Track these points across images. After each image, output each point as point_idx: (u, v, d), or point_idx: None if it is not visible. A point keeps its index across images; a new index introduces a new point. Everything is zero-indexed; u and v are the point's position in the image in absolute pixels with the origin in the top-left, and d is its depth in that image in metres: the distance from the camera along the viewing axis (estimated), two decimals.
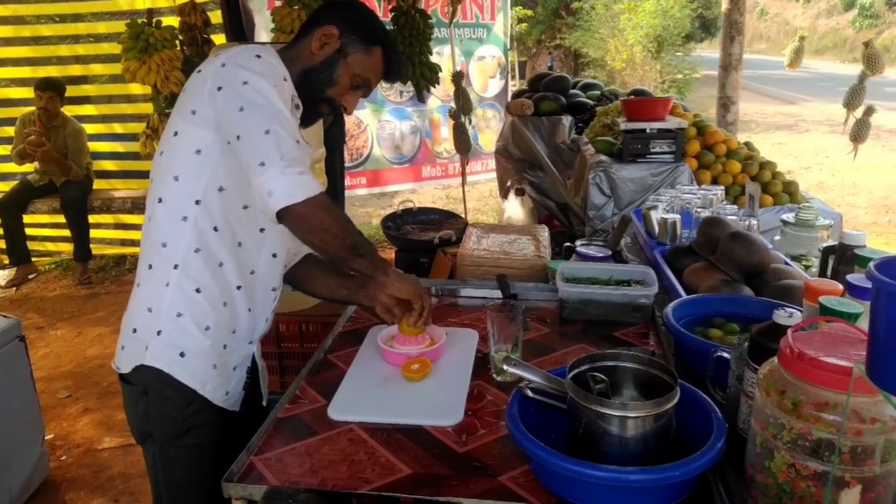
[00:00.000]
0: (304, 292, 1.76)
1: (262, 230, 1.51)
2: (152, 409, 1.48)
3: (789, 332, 1.00)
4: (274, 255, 1.56)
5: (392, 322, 1.62)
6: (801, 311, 1.28)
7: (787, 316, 1.16)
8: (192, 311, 1.45)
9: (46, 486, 2.88)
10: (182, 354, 1.44)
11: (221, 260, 1.46)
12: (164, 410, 1.46)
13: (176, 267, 1.43)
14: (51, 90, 5.07)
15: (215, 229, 1.44)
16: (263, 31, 5.76)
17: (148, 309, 1.46)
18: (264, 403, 1.63)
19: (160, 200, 1.45)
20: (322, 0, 3.40)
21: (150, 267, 1.47)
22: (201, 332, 1.45)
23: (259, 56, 1.41)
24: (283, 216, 1.34)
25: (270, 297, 1.60)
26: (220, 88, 1.37)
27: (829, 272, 1.74)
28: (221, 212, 1.44)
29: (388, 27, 4.07)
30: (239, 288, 1.50)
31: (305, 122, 1.58)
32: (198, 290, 1.44)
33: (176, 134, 1.43)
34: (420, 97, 4.45)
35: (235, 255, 1.48)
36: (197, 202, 1.42)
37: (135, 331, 1.48)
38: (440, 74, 4.34)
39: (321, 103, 1.56)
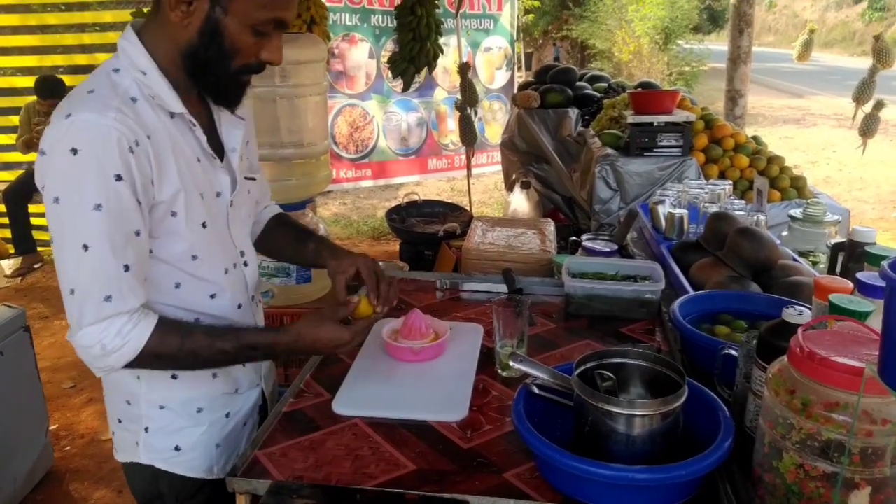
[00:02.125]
0: (270, 257, 1.62)
1: (212, 296, 1.30)
2: (163, 487, 1.34)
3: (799, 330, 0.98)
4: (239, 307, 1.36)
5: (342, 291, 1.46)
6: (810, 308, 1.26)
7: (797, 314, 1.15)
8: (174, 399, 1.28)
9: (50, 477, 2.90)
10: (177, 448, 1.30)
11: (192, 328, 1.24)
12: (177, 485, 1.33)
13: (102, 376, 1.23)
14: (52, 97, 5.01)
15: (177, 285, 1.24)
16: None
17: (126, 402, 1.29)
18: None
19: None
20: None
21: None
22: (192, 418, 1.30)
23: (75, 151, 1.05)
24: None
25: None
26: (42, 187, 1.11)
27: (838, 269, 1.72)
28: (173, 269, 1.23)
29: (390, 16, 4.08)
30: None
31: (228, 101, 1.26)
32: (174, 377, 1.27)
33: None
34: (407, 86, 4.40)
35: (210, 311, 1.29)
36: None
37: (120, 421, 1.32)
38: (444, 66, 4.31)
39: (233, 78, 1.20)
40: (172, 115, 1.18)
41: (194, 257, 1.24)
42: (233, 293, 1.34)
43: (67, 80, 5.39)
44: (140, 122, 1.12)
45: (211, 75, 1.19)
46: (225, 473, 1.23)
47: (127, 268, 1.12)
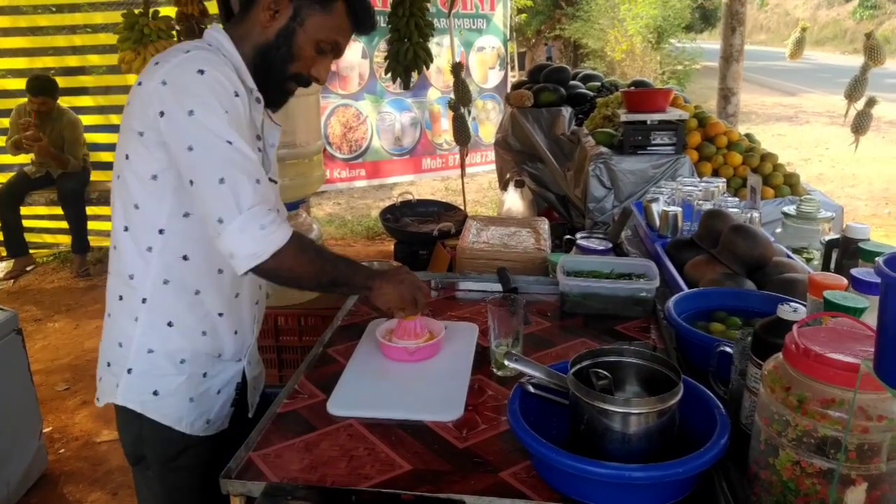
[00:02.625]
0: (298, 289, 1.67)
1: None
2: (145, 431, 1.41)
3: (794, 327, 0.98)
4: (239, 293, 1.47)
5: (392, 316, 1.59)
6: (804, 305, 1.27)
7: (792, 311, 1.15)
8: (164, 346, 1.37)
9: (45, 480, 2.88)
10: (155, 392, 1.38)
11: (197, 288, 1.38)
12: (156, 434, 1.41)
13: (144, 301, 1.35)
14: (43, 95, 5.02)
15: (185, 258, 1.35)
16: None
17: (119, 344, 1.39)
18: (250, 415, 1.56)
19: (126, 229, 1.35)
20: None
21: (121, 298, 1.38)
22: (175, 367, 1.39)
23: (202, 71, 1.25)
24: (251, 272, 1.27)
25: (255, 310, 1.54)
26: (162, 114, 1.24)
27: (832, 266, 1.73)
28: (191, 239, 1.34)
29: (384, 17, 4.07)
30: (221, 315, 1.43)
31: (274, 105, 1.47)
32: (170, 324, 1.37)
33: (127, 157, 1.31)
34: (406, 85, 4.39)
35: (215, 282, 1.40)
36: (160, 231, 1.32)
37: (109, 364, 1.42)
38: (437, 66, 4.31)
39: (286, 82, 1.41)
40: (236, 94, 1.31)
41: None
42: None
43: (59, 81, 5.37)
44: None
45: (272, 73, 1.39)
46: (193, 431, 1.40)
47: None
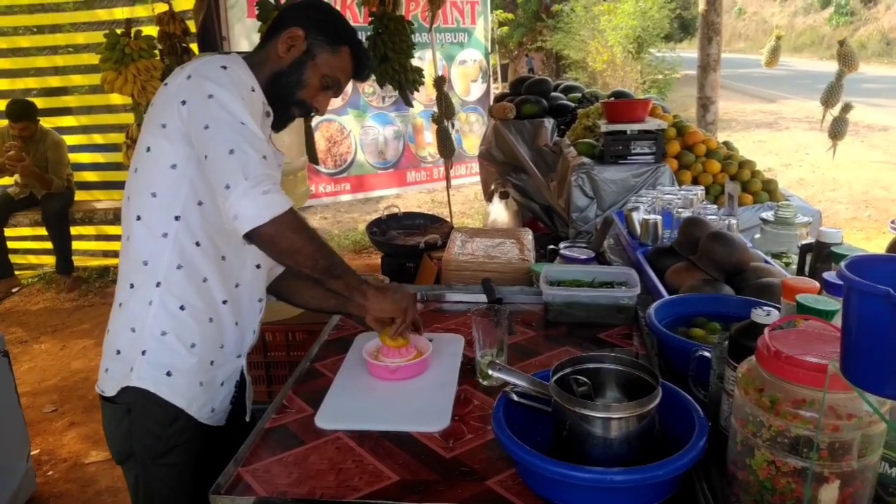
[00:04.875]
0: (290, 304, 1.75)
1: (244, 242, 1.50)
2: (135, 427, 1.46)
3: (766, 330, 1.01)
4: (258, 266, 1.56)
5: (379, 331, 1.61)
6: (778, 309, 1.30)
7: (765, 315, 1.18)
8: (176, 328, 1.43)
9: (33, 503, 2.86)
10: (168, 373, 1.43)
11: (205, 275, 1.45)
12: (147, 429, 1.45)
13: (158, 285, 1.42)
14: (23, 120, 5.02)
15: (197, 244, 1.43)
16: (244, 39, 5.75)
17: (131, 329, 1.44)
18: (247, 419, 1.61)
19: (138, 218, 1.43)
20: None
21: (132, 286, 1.44)
22: (187, 349, 1.44)
23: (225, 67, 1.39)
24: (252, 238, 1.33)
25: (256, 308, 1.60)
26: (184, 102, 1.36)
27: (806, 270, 1.77)
28: (202, 226, 1.43)
29: (366, 32, 4.11)
30: (225, 302, 1.49)
31: (277, 126, 1.57)
32: (182, 308, 1.43)
33: (149, 150, 1.41)
34: (408, 101, 4.45)
35: (219, 270, 1.47)
36: (176, 218, 1.41)
37: (118, 352, 1.46)
38: (422, 79, 4.35)
39: (292, 106, 1.55)
40: (253, 89, 1.44)
41: None
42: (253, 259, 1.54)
43: (41, 102, 5.36)
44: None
45: (282, 96, 1.52)
46: (200, 416, 1.46)
47: (264, 156, 1.35)
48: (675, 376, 1.41)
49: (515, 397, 1.27)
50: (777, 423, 0.95)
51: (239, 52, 1.59)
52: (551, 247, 2.71)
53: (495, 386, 1.50)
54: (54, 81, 5.72)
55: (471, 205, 7.50)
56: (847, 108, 3.80)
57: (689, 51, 15.23)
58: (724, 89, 5.83)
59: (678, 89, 13.83)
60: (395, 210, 4.32)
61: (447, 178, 5.13)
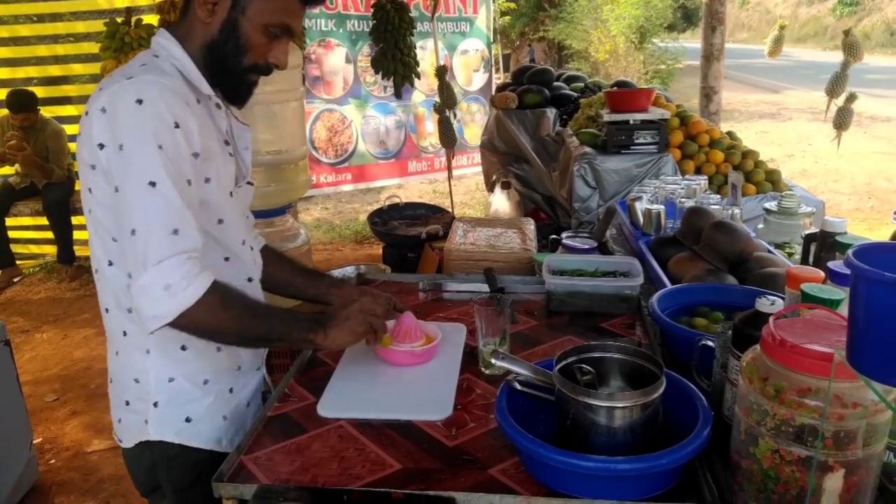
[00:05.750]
0: (271, 293, 1.64)
1: (226, 259, 1.38)
2: (161, 471, 1.38)
3: (771, 319, 1.01)
4: (249, 280, 1.46)
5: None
6: (783, 298, 1.29)
7: (770, 304, 1.18)
8: (183, 371, 1.34)
9: (36, 491, 2.87)
10: (188, 419, 1.35)
11: None
12: (175, 473, 1.38)
13: (152, 333, 1.26)
14: (24, 111, 5.01)
15: None
16: None
17: (135, 380, 1.35)
18: None
19: (110, 263, 1.29)
20: None
21: (125, 334, 1.33)
22: (201, 389, 1.37)
23: (140, 101, 1.17)
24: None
25: None
26: (101, 146, 1.19)
27: (810, 259, 1.76)
28: None
29: (368, 21, 4.10)
30: None
31: (239, 101, 1.38)
32: (183, 348, 1.33)
33: (91, 191, 1.25)
34: (398, 93, 4.44)
35: None
36: None
37: (128, 403, 1.37)
38: (421, 69, 4.36)
39: (243, 76, 1.34)
40: (198, 100, 1.30)
41: (220, 221, 1.35)
42: (244, 263, 1.44)
43: (41, 91, 5.35)
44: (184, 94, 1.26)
45: (226, 69, 1.32)
46: (233, 447, 1.30)
47: (187, 207, 1.20)
48: (678, 366, 1.40)
49: (518, 386, 1.26)
50: (782, 411, 0.95)
51: (168, 25, 1.39)
52: (553, 237, 2.70)
53: (498, 375, 1.49)
54: (55, 70, 5.70)
55: (472, 195, 7.49)
56: (852, 98, 3.78)
57: (692, 41, 15.19)
58: (726, 79, 5.80)
59: (681, 79, 13.79)
60: (397, 200, 4.32)
61: (449, 168, 5.12)
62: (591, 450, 1.08)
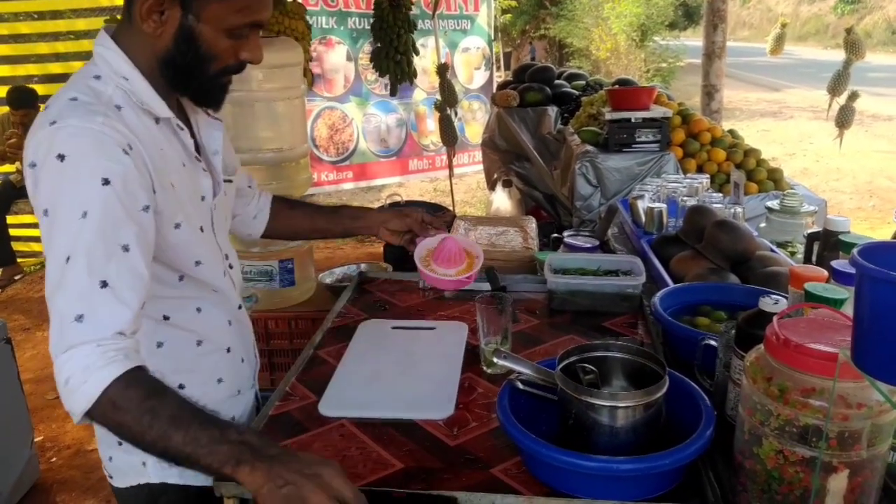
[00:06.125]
0: (294, 239, 1.64)
1: (211, 293, 1.31)
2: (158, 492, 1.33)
3: (775, 319, 1.00)
4: (230, 323, 1.38)
5: (398, 242, 1.61)
6: (786, 297, 1.29)
7: (773, 303, 1.17)
8: None
9: (37, 489, 2.87)
10: None
11: (199, 338, 1.31)
12: (177, 500, 1.34)
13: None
14: (24, 107, 4.99)
15: (165, 318, 1.25)
16: None
17: None
18: None
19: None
20: None
21: None
22: None
23: (62, 157, 1.02)
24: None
25: (251, 338, 1.48)
26: (36, 186, 1.07)
27: (813, 258, 1.75)
28: (158, 298, 1.21)
29: (368, 19, 4.10)
30: (230, 350, 1.38)
31: (211, 104, 1.25)
32: (181, 387, 1.25)
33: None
34: (394, 91, 4.44)
35: (213, 326, 1.33)
36: None
37: (120, 444, 1.24)
38: (422, 67, 4.36)
39: (213, 81, 1.19)
40: (157, 119, 1.17)
41: (198, 262, 1.26)
42: (227, 298, 1.36)
43: (42, 89, 5.34)
44: (129, 129, 1.09)
45: (192, 80, 1.17)
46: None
47: (104, 284, 1.02)
48: (680, 365, 1.40)
49: (520, 385, 1.26)
50: (786, 412, 0.94)
51: (109, 25, 1.19)
52: (555, 235, 2.70)
53: (500, 374, 1.49)
54: (55, 68, 5.70)
55: (473, 193, 7.49)
56: (854, 96, 3.77)
57: (693, 39, 15.17)
58: (728, 78, 5.79)
59: (682, 78, 13.78)
60: (398, 198, 4.30)
61: (450, 167, 5.12)
62: (594, 449, 1.08)
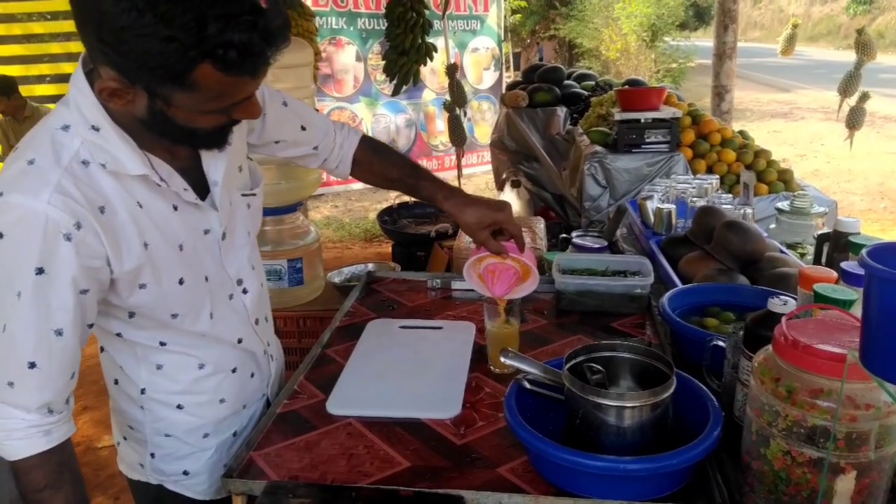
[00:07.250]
0: (383, 187, 1.58)
1: (200, 338, 1.25)
2: (165, 501, 1.35)
3: (783, 319, 1.00)
4: (242, 339, 1.33)
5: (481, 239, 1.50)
6: (795, 298, 1.28)
7: (782, 304, 1.17)
8: (180, 429, 1.28)
9: None
10: (185, 473, 1.31)
11: (201, 362, 1.27)
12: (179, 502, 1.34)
13: (143, 392, 1.25)
14: (2, 95, 4.78)
15: (162, 344, 1.22)
16: None
17: (129, 426, 1.30)
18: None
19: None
20: None
21: (116, 382, 1.28)
22: (199, 443, 1.31)
23: (13, 219, 0.98)
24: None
25: (265, 328, 1.44)
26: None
27: (823, 259, 1.75)
28: (153, 328, 1.20)
29: (379, 19, 4.11)
30: (234, 371, 1.33)
31: (213, 147, 1.13)
32: (179, 407, 1.27)
33: None
34: (398, 91, 4.44)
35: (213, 347, 1.28)
36: (118, 335, 1.20)
37: (125, 438, 1.34)
38: (430, 68, 4.36)
39: (204, 138, 1.08)
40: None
41: (174, 315, 1.19)
42: (229, 329, 1.30)
43: (54, 88, 5.38)
44: (92, 190, 1.02)
45: (180, 140, 1.08)
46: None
47: (32, 365, 1.03)
48: (688, 366, 1.39)
49: (527, 385, 1.26)
50: (793, 412, 0.94)
51: (85, 67, 1.09)
52: (563, 236, 2.69)
53: (506, 373, 1.49)
54: (68, 68, 5.74)
55: (482, 193, 7.47)
56: (865, 97, 3.75)
57: (703, 39, 15.12)
58: (738, 78, 5.76)
59: (692, 78, 13.72)
60: (406, 198, 4.31)
61: (458, 167, 5.12)
62: (601, 449, 1.08)
